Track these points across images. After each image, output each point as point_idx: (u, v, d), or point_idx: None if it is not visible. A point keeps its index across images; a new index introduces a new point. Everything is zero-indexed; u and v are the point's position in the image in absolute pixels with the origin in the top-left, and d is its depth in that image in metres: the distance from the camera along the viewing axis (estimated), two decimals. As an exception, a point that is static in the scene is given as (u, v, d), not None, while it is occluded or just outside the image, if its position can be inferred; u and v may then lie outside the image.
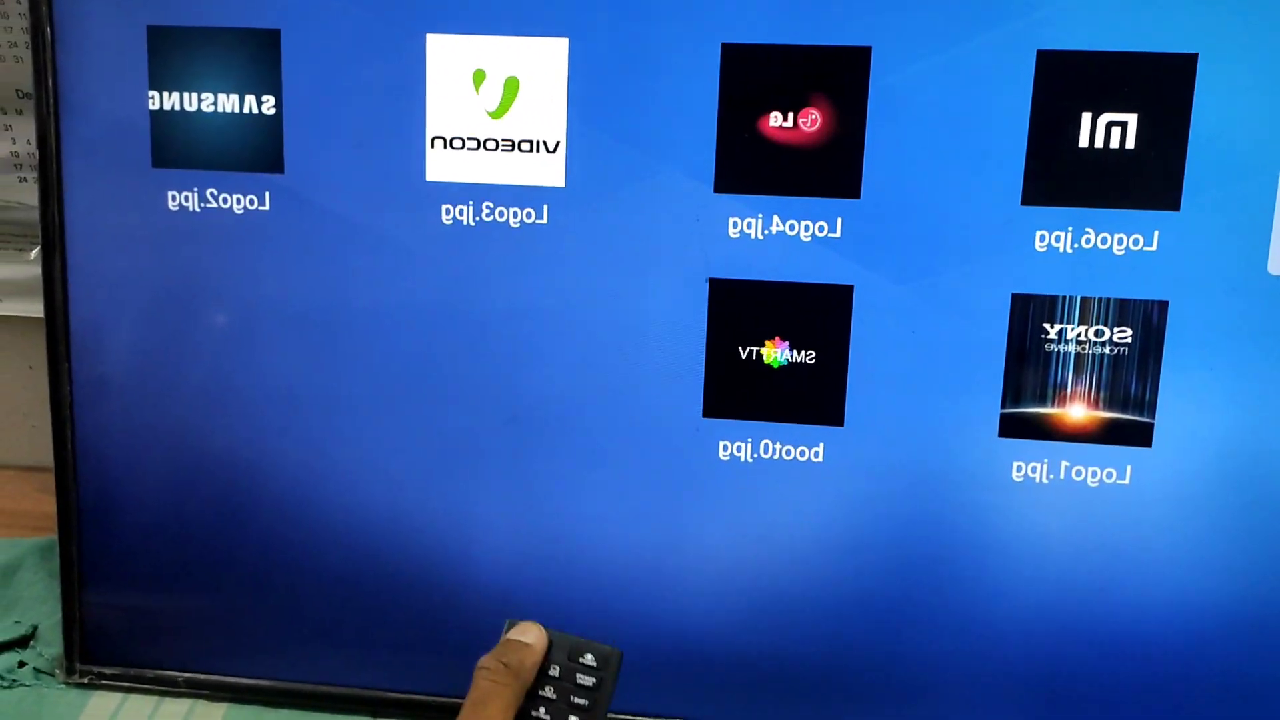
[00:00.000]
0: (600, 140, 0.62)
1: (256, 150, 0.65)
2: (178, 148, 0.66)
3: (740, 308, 0.63)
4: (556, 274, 0.64)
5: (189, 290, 0.67)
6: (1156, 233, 0.59)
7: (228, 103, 0.65)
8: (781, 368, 0.63)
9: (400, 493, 0.68)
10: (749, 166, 0.62)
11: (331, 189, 0.65)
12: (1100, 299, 0.60)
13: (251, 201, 0.66)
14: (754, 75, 0.61)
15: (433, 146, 0.64)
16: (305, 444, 0.68)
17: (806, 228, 0.62)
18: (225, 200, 0.66)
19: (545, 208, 0.64)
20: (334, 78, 0.64)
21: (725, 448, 0.65)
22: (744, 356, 0.64)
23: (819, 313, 0.62)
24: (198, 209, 0.66)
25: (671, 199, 0.62)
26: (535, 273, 0.64)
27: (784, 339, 0.63)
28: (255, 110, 0.65)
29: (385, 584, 0.69)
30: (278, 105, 0.64)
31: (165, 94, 0.65)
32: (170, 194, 0.66)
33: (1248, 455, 0.60)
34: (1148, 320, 0.60)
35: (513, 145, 0.63)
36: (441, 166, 0.64)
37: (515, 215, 0.64)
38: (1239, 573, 0.61)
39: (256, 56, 0.64)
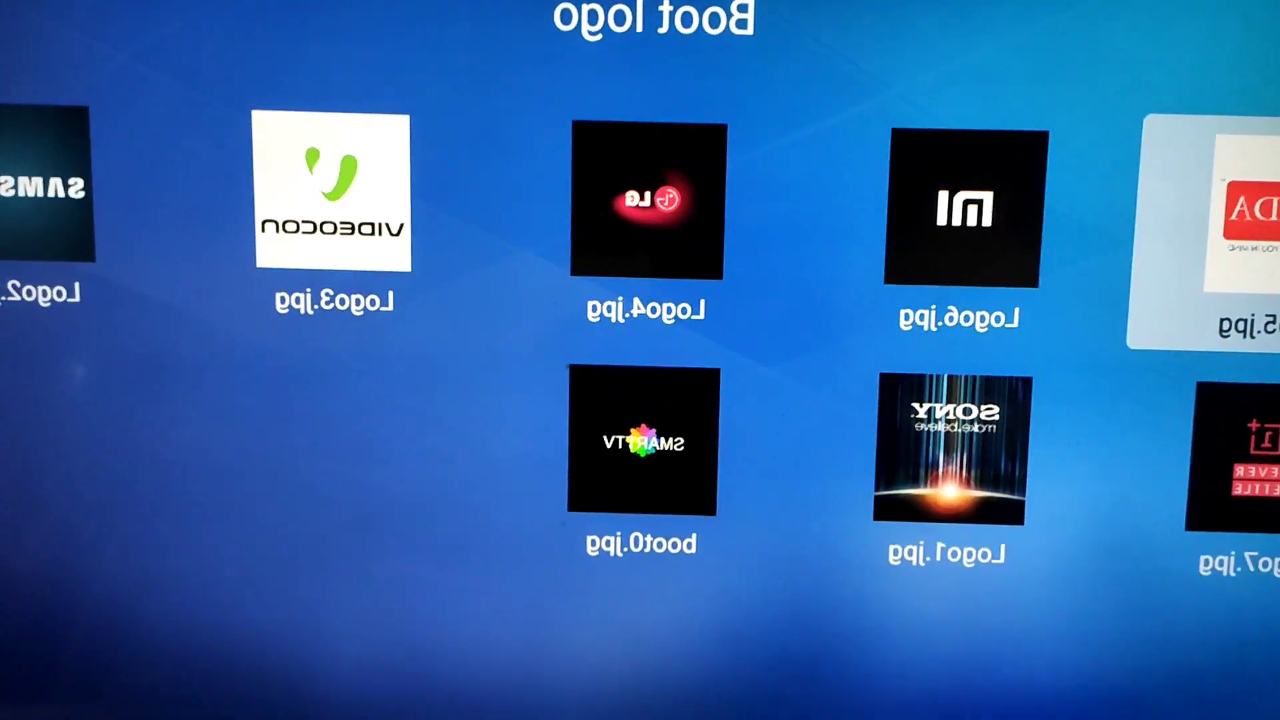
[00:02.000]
0: (448, 222, 0.59)
1: (64, 237, 0.59)
2: (-29, 236, 0.59)
3: (603, 395, 0.60)
4: (405, 364, 0.60)
5: (-12, 393, 0.60)
6: (1017, 309, 0.59)
7: (30, 186, 0.58)
8: (649, 456, 0.60)
9: (237, 604, 0.62)
10: (607, 247, 0.59)
11: (150, 277, 0.59)
12: (966, 377, 0.59)
13: (59, 293, 0.59)
14: (608, 154, 0.58)
15: (263, 230, 0.59)
16: (127, 556, 0.62)
17: (669, 310, 0.59)
18: (30, 292, 0.59)
19: (390, 294, 0.59)
20: (151, 157, 0.58)
21: (593, 542, 0.61)
22: (609, 445, 0.60)
23: (686, 397, 0.60)
24: (-3, 303, 0.60)
25: (527, 282, 0.59)
26: (381, 363, 0.60)
27: (650, 426, 0.60)
28: (62, 194, 0.58)
29: (224, 705, 0.63)
30: (87, 188, 0.58)
31: (-45, 177, 0.58)
32: (-37, 287, 0.59)
33: (1116, 528, 0.60)
34: (1013, 397, 0.59)
35: (352, 228, 0.59)
36: (274, 251, 0.59)
37: (358, 302, 0.59)
38: (1117, 645, 0.61)
39: (62, 136, 0.58)
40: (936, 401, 0.59)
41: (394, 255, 0.59)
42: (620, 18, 0.57)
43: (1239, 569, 0.60)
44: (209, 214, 0.59)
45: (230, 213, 0.59)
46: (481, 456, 0.61)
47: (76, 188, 0.59)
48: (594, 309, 0.59)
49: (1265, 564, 0.60)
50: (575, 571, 0.61)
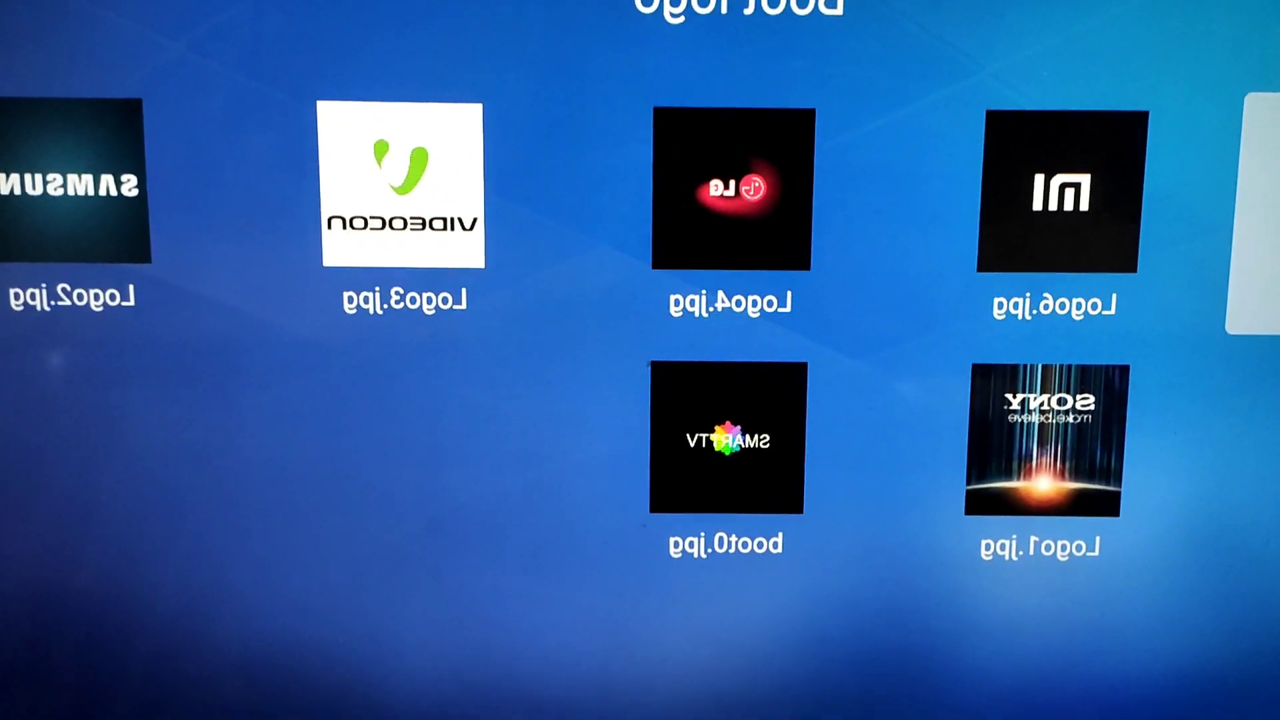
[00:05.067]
0: (523, 215, 0.56)
1: (117, 238, 0.56)
2: (21, 238, 0.56)
3: (686, 392, 0.58)
4: (479, 363, 0.58)
5: (42, 400, 0.57)
6: (1115, 295, 0.57)
7: (80, 184, 0.55)
8: (734, 454, 0.58)
9: (305, 615, 0.60)
10: (689, 239, 0.56)
11: (209, 278, 0.56)
12: (1061, 366, 0.58)
13: (113, 296, 0.57)
14: (691, 141, 0.55)
15: (329, 227, 0.56)
16: (190, 568, 0.59)
17: (754, 303, 0.57)
18: (81, 296, 0.56)
19: (464, 291, 0.57)
20: (208, 152, 0.55)
21: (676, 544, 0.59)
22: (692, 444, 0.58)
23: (771, 393, 0.58)
24: (47, 307, 0.56)
25: (606, 277, 0.57)
26: (455, 363, 0.57)
27: (735, 423, 0.58)
28: (114, 192, 0.55)
29: (291, 720, 0.61)
30: (141, 186, 0.55)
31: (3, 176, 0.55)
32: (13, 291, 0.56)
33: (1214, 517, 0.59)
34: (1109, 386, 0.58)
35: (423, 224, 0.56)
36: (341, 249, 0.56)
37: (429, 300, 0.57)
38: (1212, 636, 0.60)
39: (113, 131, 0.55)
40: (1030, 392, 0.58)
41: (467, 251, 0.56)
42: (708, -1, 0.54)
43: (1334, 555, 0.59)
44: (271, 211, 0.56)
45: (294, 210, 0.56)
46: (560, 458, 0.58)
47: (129, 185, 0.55)
48: (676, 303, 0.57)
49: (1361, 550, 0.59)
50: (658, 575, 0.59)
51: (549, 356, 0.57)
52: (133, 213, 0.56)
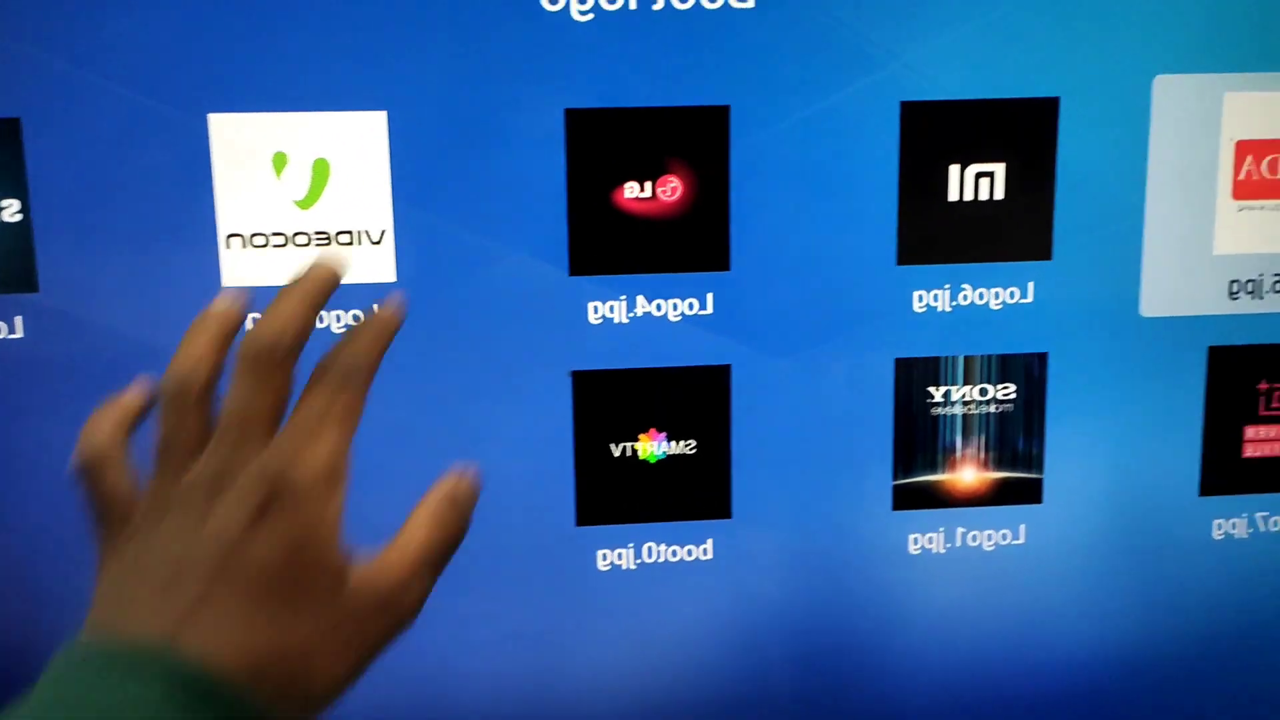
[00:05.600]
0: (434, 225, 0.54)
1: (0, 266, 0.53)
2: (-109, 271, 0.52)
3: (609, 401, 0.57)
4: (395, 379, 0.55)
5: (-76, 443, 0.54)
6: (1031, 284, 0.57)
7: (-45, 211, 0.52)
8: (659, 462, 0.57)
9: (224, 650, 0.57)
10: (606, 244, 0.55)
11: (103, 306, 0.54)
12: (982, 357, 0.58)
13: (-1, 328, 0.53)
14: (604, 143, 0.54)
15: (228, 246, 0.54)
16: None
17: (675, 306, 0.56)
18: (-37, 330, 0.53)
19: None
20: (95, 173, 0.52)
21: (604, 556, 0.58)
22: (617, 454, 0.57)
23: (696, 398, 0.57)
24: (-74, 343, 0.53)
25: (522, 286, 0.55)
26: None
27: (660, 430, 0.57)
28: (-7, 218, 0.52)
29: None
30: (24, 210, 0.52)
31: None
32: (-114, 328, 0.53)
33: (1132, 499, 0.59)
34: (1029, 374, 0.58)
35: (328, 238, 0.54)
36: (242, 269, 0.54)
37: (339, 319, 0.55)
38: (1135, 614, 0.61)
39: (-11, 152, 0.52)
40: (953, 384, 0.58)
41: (377, 265, 0.54)
42: (615, -3, 0.53)
43: (1250, 530, 0.60)
44: (166, 232, 0.53)
45: (190, 229, 0.53)
46: (481, 473, 0.57)
47: (11, 210, 0.52)
48: (595, 310, 0.56)
49: (1276, 523, 0.60)
50: (587, 590, 0.58)
51: (466, 370, 0.56)
52: (16, 239, 0.53)
